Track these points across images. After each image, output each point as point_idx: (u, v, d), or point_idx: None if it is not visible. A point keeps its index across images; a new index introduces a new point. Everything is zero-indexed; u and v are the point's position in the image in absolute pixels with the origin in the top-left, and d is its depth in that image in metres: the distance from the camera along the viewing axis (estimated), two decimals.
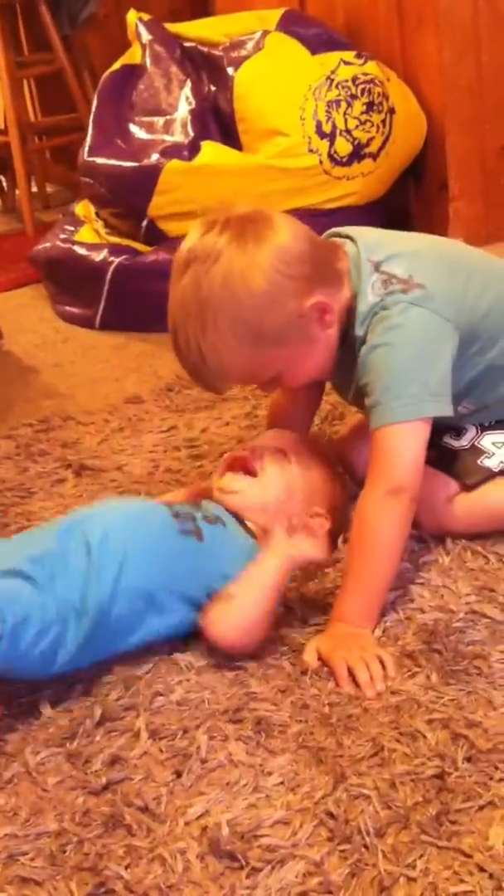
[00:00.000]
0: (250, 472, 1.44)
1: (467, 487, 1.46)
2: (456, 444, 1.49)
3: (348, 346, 1.41)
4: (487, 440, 1.48)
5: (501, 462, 1.47)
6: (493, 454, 1.47)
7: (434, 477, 1.45)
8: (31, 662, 1.21)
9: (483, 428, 1.49)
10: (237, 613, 1.27)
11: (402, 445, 1.33)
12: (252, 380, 1.46)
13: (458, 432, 1.49)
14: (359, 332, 1.38)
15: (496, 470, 1.47)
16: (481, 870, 0.97)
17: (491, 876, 0.96)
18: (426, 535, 1.47)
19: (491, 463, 1.47)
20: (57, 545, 1.28)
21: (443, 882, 0.96)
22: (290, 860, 1.00)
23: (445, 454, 1.48)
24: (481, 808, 1.03)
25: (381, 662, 1.24)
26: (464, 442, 1.49)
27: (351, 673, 1.24)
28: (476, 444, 1.48)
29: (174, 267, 1.35)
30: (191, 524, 1.35)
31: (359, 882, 0.98)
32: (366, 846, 1.01)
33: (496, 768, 1.07)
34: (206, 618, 1.28)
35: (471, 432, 1.49)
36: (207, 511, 1.39)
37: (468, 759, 1.09)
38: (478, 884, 0.95)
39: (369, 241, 1.43)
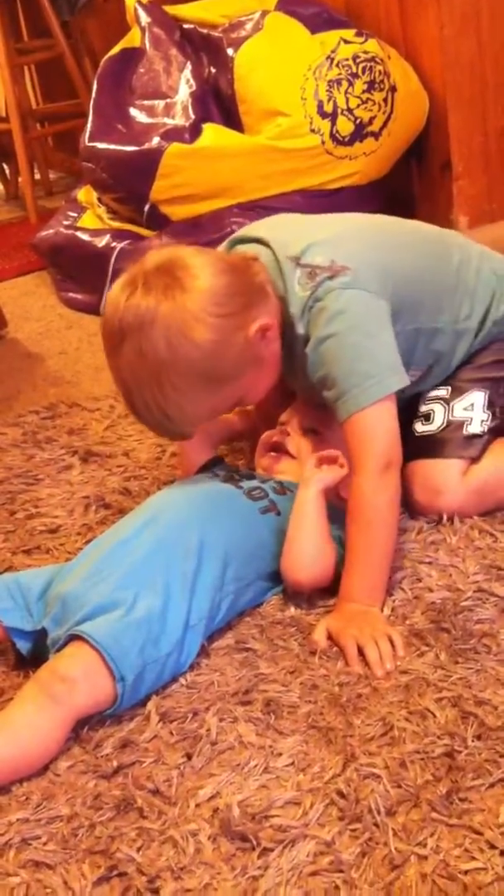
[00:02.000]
0: (288, 453, 1.49)
1: (474, 460, 1.47)
2: (433, 428, 1.49)
3: (290, 345, 1.40)
4: (458, 411, 1.49)
5: (482, 421, 1.49)
6: (471, 419, 1.49)
7: (433, 466, 1.46)
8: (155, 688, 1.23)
9: (444, 401, 1.50)
10: (298, 555, 1.33)
11: (377, 425, 1.34)
12: (217, 415, 1.46)
13: (427, 417, 1.51)
14: (300, 330, 1.38)
15: (485, 430, 1.48)
16: (492, 846, 0.97)
17: (502, 853, 0.96)
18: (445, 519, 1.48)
19: (475, 428, 1.48)
20: (145, 554, 1.28)
21: (454, 860, 0.97)
22: (301, 840, 1.01)
23: (427, 442, 1.49)
24: (492, 785, 1.04)
25: (391, 641, 1.24)
26: (439, 423, 1.49)
27: (360, 652, 1.24)
28: (450, 419, 1.48)
29: (107, 336, 1.33)
30: (266, 501, 1.40)
31: (370, 861, 0.98)
32: (376, 825, 1.01)
33: None
34: (282, 572, 1.34)
35: (439, 412, 1.50)
36: (272, 482, 1.44)
37: (478, 737, 1.09)
38: (489, 860, 0.96)
39: (281, 238, 1.42)
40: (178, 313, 1.28)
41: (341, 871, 0.97)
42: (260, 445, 1.53)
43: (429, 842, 0.99)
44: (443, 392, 1.51)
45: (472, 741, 1.09)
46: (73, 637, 1.19)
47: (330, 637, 1.28)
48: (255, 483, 1.42)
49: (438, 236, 1.60)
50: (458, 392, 1.51)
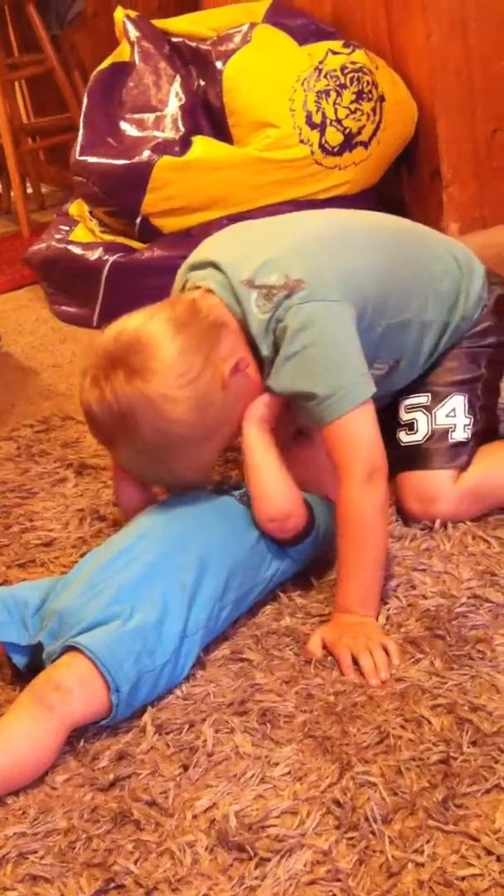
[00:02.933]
0: (306, 435, 1.48)
1: (462, 468, 1.47)
2: (418, 438, 1.50)
3: (264, 366, 1.40)
4: (440, 418, 1.50)
5: (465, 426, 1.49)
6: (455, 426, 1.49)
7: (424, 477, 1.47)
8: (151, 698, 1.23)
9: (426, 409, 1.50)
10: (262, 494, 1.35)
11: (358, 432, 1.33)
12: (222, 453, 1.48)
13: (410, 426, 1.51)
14: (264, 352, 1.38)
15: (469, 436, 1.49)
16: (489, 853, 0.97)
17: (499, 858, 0.96)
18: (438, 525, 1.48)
19: (459, 435, 1.49)
20: (142, 567, 1.28)
21: (451, 866, 0.97)
22: (298, 849, 1.01)
23: (415, 452, 1.49)
24: (487, 791, 1.04)
25: (386, 650, 1.24)
26: (423, 433, 1.50)
27: (355, 661, 1.24)
28: (434, 427, 1.49)
29: (98, 437, 1.39)
30: None
31: (367, 869, 0.98)
32: (373, 833, 1.01)
33: (501, 751, 1.08)
34: (257, 520, 1.35)
35: (422, 421, 1.50)
36: None
37: (473, 743, 1.09)
38: (486, 867, 0.96)
39: (232, 259, 1.41)
40: (150, 403, 1.29)
41: (339, 880, 0.97)
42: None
43: (425, 849, 0.99)
44: (423, 399, 1.51)
45: (468, 747, 1.09)
46: (68, 648, 1.19)
47: (325, 647, 1.28)
48: (244, 489, 1.42)
49: (402, 229, 1.59)
50: (438, 398, 1.51)
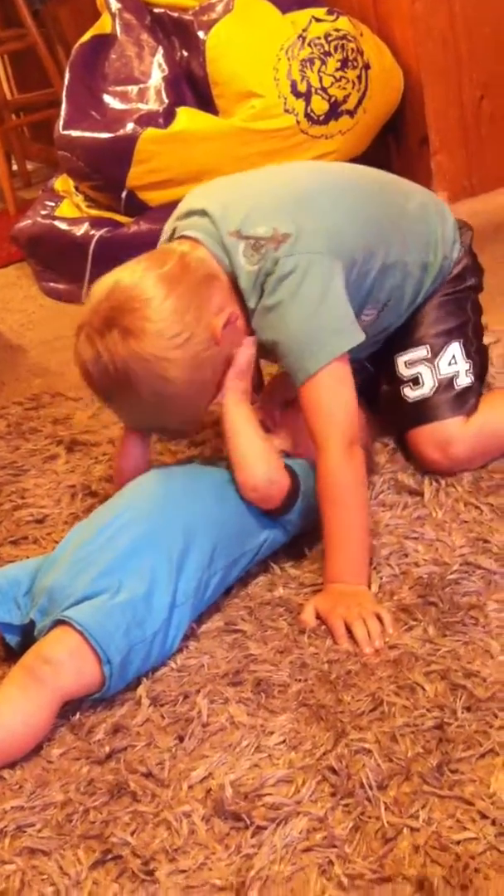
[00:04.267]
0: (268, 430, 1.48)
1: (470, 413, 1.49)
2: (426, 391, 1.51)
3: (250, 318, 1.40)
4: (444, 368, 1.51)
5: (467, 371, 1.51)
6: (458, 372, 1.51)
7: (437, 427, 1.49)
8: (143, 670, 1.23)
9: (428, 361, 1.51)
10: (242, 462, 1.34)
11: (332, 398, 1.34)
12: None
13: (416, 381, 1.52)
14: (251, 304, 1.38)
15: (472, 380, 1.51)
16: (483, 817, 0.98)
17: (493, 822, 0.97)
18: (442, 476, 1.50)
19: (463, 381, 1.51)
20: (129, 539, 1.27)
21: (446, 830, 0.97)
22: (293, 817, 1.01)
23: (425, 407, 1.50)
24: (482, 756, 1.04)
25: (379, 619, 1.24)
26: (430, 385, 1.50)
27: (349, 630, 1.24)
28: (439, 378, 1.49)
29: (97, 396, 1.41)
30: None
31: (363, 835, 0.98)
32: (368, 799, 1.01)
33: (496, 716, 1.08)
34: (240, 489, 1.35)
35: (426, 374, 1.51)
36: None
37: (467, 709, 1.10)
38: (480, 831, 0.96)
39: (221, 207, 1.40)
40: (145, 362, 1.30)
41: (335, 847, 0.97)
42: None
43: (421, 814, 0.99)
44: (423, 352, 1.51)
45: (462, 713, 1.09)
46: (58, 623, 1.19)
47: (318, 617, 1.28)
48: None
49: (374, 175, 1.60)
50: (436, 349, 1.52)
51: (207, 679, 1.21)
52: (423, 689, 1.13)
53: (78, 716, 1.18)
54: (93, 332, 1.32)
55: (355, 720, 1.11)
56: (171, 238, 1.46)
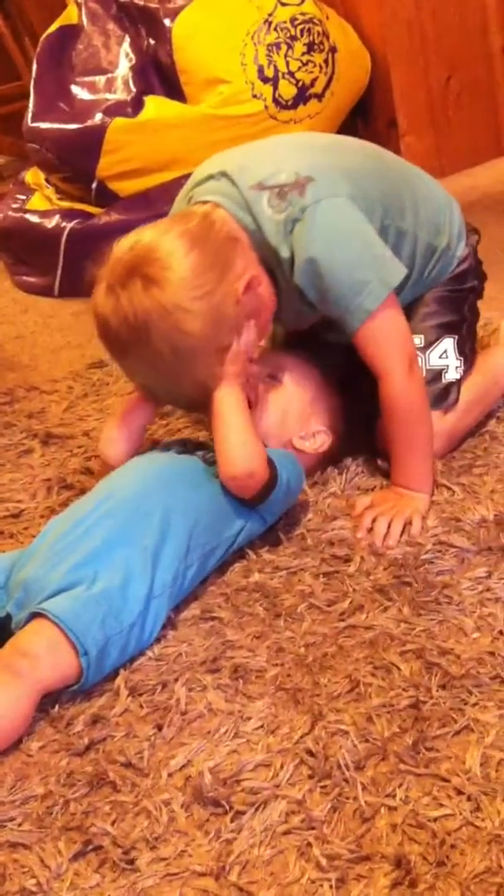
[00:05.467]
0: (252, 405, 1.47)
1: (449, 408, 1.50)
2: None
3: (274, 273, 1.41)
4: (434, 359, 1.51)
5: (456, 367, 1.52)
6: (447, 366, 1.52)
7: None
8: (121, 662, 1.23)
9: (420, 350, 1.51)
10: (225, 452, 1.34)
11: (390, 328, 1.39)
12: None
13: None
14: (284, 254, 1.39)
15: (459, 377, 1.52)
16: (459, 793, 0.98)
17: (469, 798, 0.98)
18: None
19: (451, 375, 1.52)
20: (104, 532, 1.28)
21: (423, 808, 0.98)
22: (272, 801, 1.02)
23: None
24: (457, 732, 1.05)
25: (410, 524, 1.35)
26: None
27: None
28: (428, 369, 1.50)
29: (111, 350, 1.39)
30: None
31: (341, 816, 0.99)
32: (346, 780, 1.02)
33: (470, 693, 1.09)
34: (221, 479, 1.35)
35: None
36: None
37: (442, 687, 1.10)
38: (456, 807, 0.97)
39: (239, 166, 1.42)
40: (166, 313, 1.30)
41: (313, 829, 0.98)
42: None
43: (398, 792, 1.00)
44: (416, 341, 1.51)
45: (437, 691, 1.10)
46: (34, 615, 1.19)
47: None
48: (208, 450, 1.42)
49: (384, 151, 1.62)
50: (429, 340, 1.52)
51: (185, 667, 1.21)
52: (399, 668, 1.14)
53: (57, 708, 1.19)
54: (114, 282, 1.32)
55: (332, 702, 1.12)
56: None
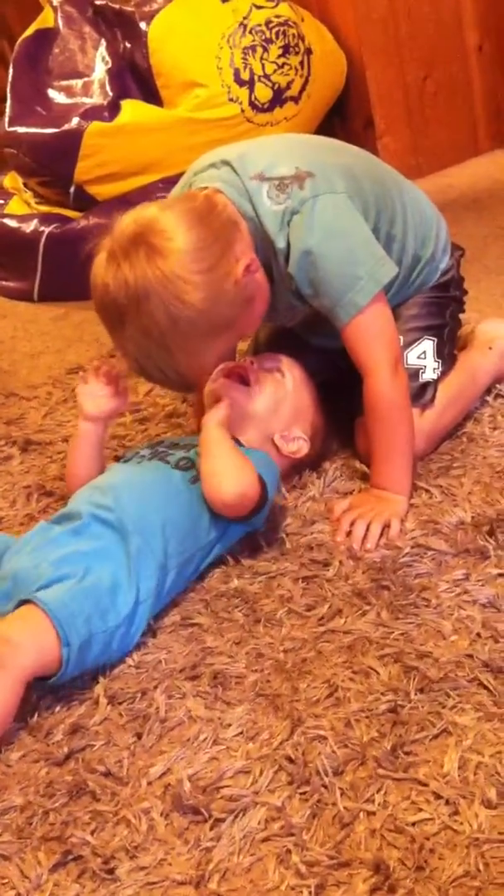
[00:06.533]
0: (245, 382, 1.49)
1: (426, 406, 1.51)
2: None
3: (269, 264, 1.43)
4: (412, 359, 1.52)
5: (434, 368, 1.53)
6: (425, 367, 1.53)
7: None
8: (100, 658, 1.23)
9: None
10: (213, 477, 1.33)
11: (378, 326, 1.41)
12: (223, 359, 1.46)
13: None
14: (280, 244, 1.41)
15: (436, 377, 1.53)
16: (438, 797, 0.99)
17: (447, 802, 0.98)
18: None
19: (429, 375, 1.53)
20: (88, 541, 1.28)
21: (401, 813, 0.98)
22: (251, 808, 1.02)
23: None
24: (435, 736, 1.05)
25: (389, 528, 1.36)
26: None
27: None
28: (406, 367, 1.49)
29: (105, 317, 1.36)
30: (194, 470, 1.39)
31: (320, 822, 0.99)
32: (325, 786, 1.02)
33: (448, 696, 1.09)
34: (210, 503, 1.34)
35: None
36: (197, 447, 1.42)
37: (420, 690, 1.11)
38: (435, 811, 0.97)
39: (241, 156, 1.44)
40: (166, 281, 1.30)
41: (292, 835, 0.98)
42: (217, 372, 1.49)
43: (376, 797, 1.00)
44: None
45: (415, 695, 1.10)
46: (23, 602, 1.20)
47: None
48: (180, 454, 1.42)
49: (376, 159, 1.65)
50: (409, 341, 1.53)
51: (165, 674, 1.21)
52: (377, 672, 1.14)
53: (36, 718, 1.18)
54: (117, 250, 1.32)
55: (311, 708, 1.12)
56: None
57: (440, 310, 1.59)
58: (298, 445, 1.50)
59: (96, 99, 2.52)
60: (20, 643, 1.15)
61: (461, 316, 1.66)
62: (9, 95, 2.68)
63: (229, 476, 1.33)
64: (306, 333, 1.61)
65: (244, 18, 2.45)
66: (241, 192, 1.41)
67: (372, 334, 1.41)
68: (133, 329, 1.34)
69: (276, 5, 2.48)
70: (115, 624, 1.22)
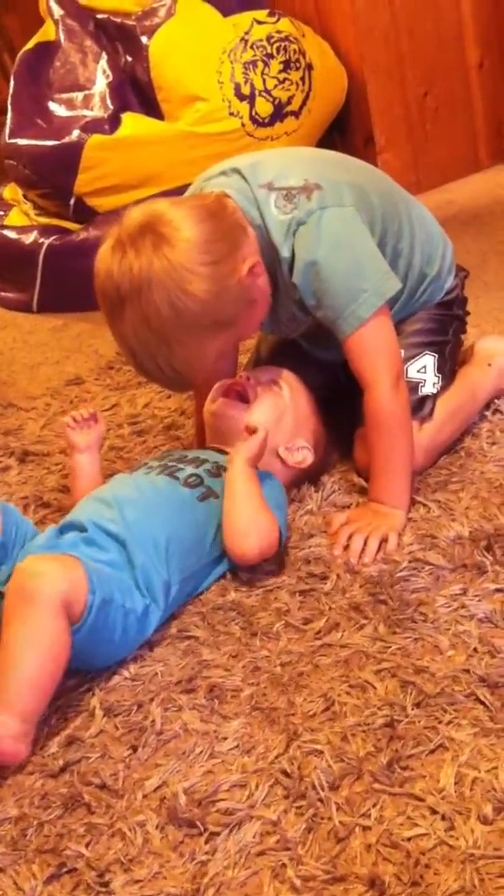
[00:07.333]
0: (244, 399, 1.49)
1: (425, 419, 1.51)
2: None
3: (273, 273, 1.43)
4: (412, 373, 1.52)
5: (434, 383, 1.54)
6: (424, 381, 1.53)
7: None
8: (110, 643, 1.23)
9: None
10: (236, 529, 1.34)
11: (380, 339, 1.42)
12: (219, 360, 1.46)
13: None
14: (284, 253, 1.41)
15: (436, 392, 1.53)
16: (434, 812, 0.98)
17: (443, 817, 0.98)
18: None
19: (428, 389, 1.53)
20: (96, 553, 1.28)
21: (397, 828, 0.98)
22: (247, 822, 1.02)
23: None
24: (432, 751, 1.05)
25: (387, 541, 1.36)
26: None
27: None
28: (405, 380, 1.49)
29: (106, 304, 1.35)
30: (202, 488, 1.40)
31: (315, 836, 0.99)
32: (321, 800, 1.02)
33: (444, 711, 1.09)
34: (227, 551, 1.35)
35: None
36: (207, 464, 1.44)
37: (417, 705, 1.10)
38: (430, 826, 0.97)
39: (250, 164, 1.45)
40: (172, 270, 1.30)
41: (288, 849, 0.98)
42: (215, 391, 1.52)
43: (372, 812, 1.00)
44: None
45: (412, 709, 1.10)
46: None
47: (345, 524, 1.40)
48: (189, 470, 1.42)
49: (382, 172, 1.66)
50: (410, 355, 1.54)
51: (161, 687, 1.21)
52: (374, 687, 1.14)
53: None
54: (124, 238, 1.32)
55: (307, 721, 1.12)
56: None
57: (443, 327, 1.60)
58: (303, 455, 1.50)
59: (97, 112, 2.53)
60: (44, 572, 1.16)
61: (462, 336, 1.66)
62: (9, 108, 2.69)
63: (252, 534, 1.33)
64: (308, 345, 1.62)
65: (245, 33, 2.46)
66: (249, 199, 1.42)
67: (374, 347, 1.41)
68: (134, 317, 1.32)
69: (278, 20, 2.49)
70: (132, 607, 1.23)
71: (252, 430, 1.42)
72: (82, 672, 1.24)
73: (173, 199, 1.40)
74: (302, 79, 2.47)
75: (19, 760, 1.13)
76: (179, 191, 2.40)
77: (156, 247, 1.30)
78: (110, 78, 2.58)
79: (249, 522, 1.34)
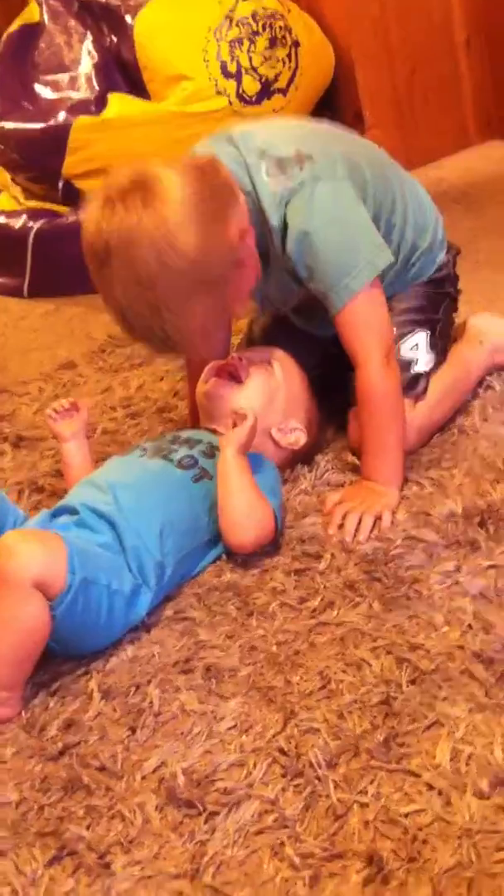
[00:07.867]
0: (236, 379, 1.49)
1: (418, 397, 1.51)
2: None
3: (263, 241, 1.43)
4: (405, 351, 1.52)
5: (426, 361, 1.54)
6: (417, 359, 1.53)
7: None
8: (96, 625, 1.23)
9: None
10: (231, 517, 1.34)
11: (372, 314, 1.42)
12: (209, 331, 1.44)
13: None
14: (273, 222, 1.41)
15: (429, 369, 1.54)
16: (430, 787, 0.99)
17: (440, 792, 0.98)
18: None
19: (421, 367, 1.53)
20: (89, 535, 1.29)
21: (394, 804, 0.98)
22: (245, 801, 1.02)
23: None
24: (428, 727, 1.06)
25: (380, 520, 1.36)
26: None
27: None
28: (399, 358, 1.49)
29: (93, 258, 1.32)
30: (196, 469, 1.40)
31: (313, 814, 1.00)
32: (318, 778, 1.03)
33: (440, 687, 1.10)
34: (223, 539, 1.36)
35: None
36: (201, 445, 1.43)
37: (412, 682, 1.11)
38: (427, 802, 0.98)
39: (242, 134, 1.45)
40: (161, 225, 1.29)
41: (286, 827, 0.99)
42: (207, 371, 1.52)
43: (369, 789, 1.00)
44: None
45: (407, 686, 1.11)
46: None
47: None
48: (183, 451, 1.42)
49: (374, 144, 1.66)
50: (402, 332, 1.54)
51: (158, 668, 1.22)
52: (370, 664, 1.15)
53: (30, 713, 1.19)
54: (113, 195, 1.30)
55: (304, 700, 1.12)
56: None
57: (434, 305, 1.59)
58: (296, 436, 1.50)
59: (83, 93, 2.51)
60: (22, 553, 1.16)
61: (454, 315, 1.66)
62: None
63: (248, 527, 1.34)
64: (301, 321, 1.61)
65: (230, 11, 2.44)
66: (240, 165, 1.41)
67: (365, 322, 1.41)
68: (121, 270, 1.30)
69: None
70: (119, 588, 1.23)
71: (241, 416, 1.39)
72: (79, 655, 1.25)
73: (164, 159, 1.37)
74: (288, 56, 2.46)
75: (5, 720, 1.18)
76: None
77: (146, 203, 1.28)
78: (96, 59, 2.56)
79: (245, 515, 1.34)
